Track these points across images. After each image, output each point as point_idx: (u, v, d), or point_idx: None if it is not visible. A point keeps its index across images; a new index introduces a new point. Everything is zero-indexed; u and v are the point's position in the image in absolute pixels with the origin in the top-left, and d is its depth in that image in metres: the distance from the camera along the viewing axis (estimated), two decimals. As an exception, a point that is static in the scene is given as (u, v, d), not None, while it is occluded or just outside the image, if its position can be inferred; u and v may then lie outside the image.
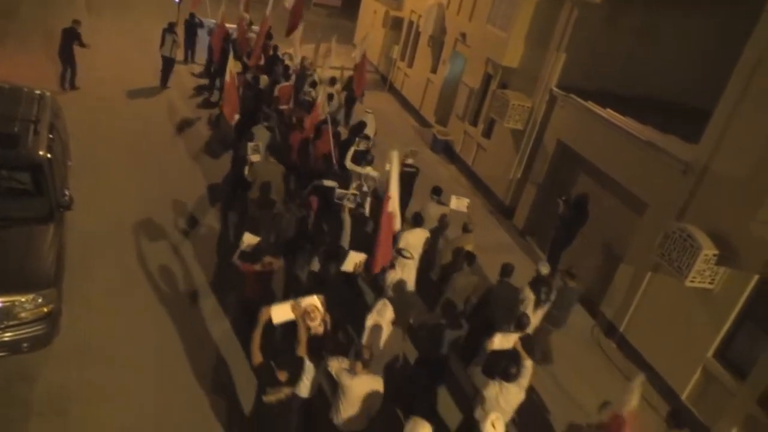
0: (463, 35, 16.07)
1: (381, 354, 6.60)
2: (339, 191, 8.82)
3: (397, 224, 7.93)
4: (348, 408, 5.74)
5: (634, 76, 11.89)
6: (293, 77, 13.93)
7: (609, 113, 10.59)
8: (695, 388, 8.27)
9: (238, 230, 7.87)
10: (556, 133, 12.00)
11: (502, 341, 6.59)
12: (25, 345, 6.48)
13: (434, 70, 18.24)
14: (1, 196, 7.48)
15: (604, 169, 10.47)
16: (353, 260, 7.31)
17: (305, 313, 6.19)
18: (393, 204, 7.67)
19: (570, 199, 10.85)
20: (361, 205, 9.20)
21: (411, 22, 19.86)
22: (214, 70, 16.12)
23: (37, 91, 9.48)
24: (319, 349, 6.15)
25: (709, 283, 7.98)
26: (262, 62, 15.20)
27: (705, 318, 8.18)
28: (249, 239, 7.30)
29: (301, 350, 5.87)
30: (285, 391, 5.59)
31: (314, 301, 6.30)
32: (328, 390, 6.73)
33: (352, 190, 8.96)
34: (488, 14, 14.58)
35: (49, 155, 7.86)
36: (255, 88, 13.12)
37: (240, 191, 9.66)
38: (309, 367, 5.91)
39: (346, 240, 8.59)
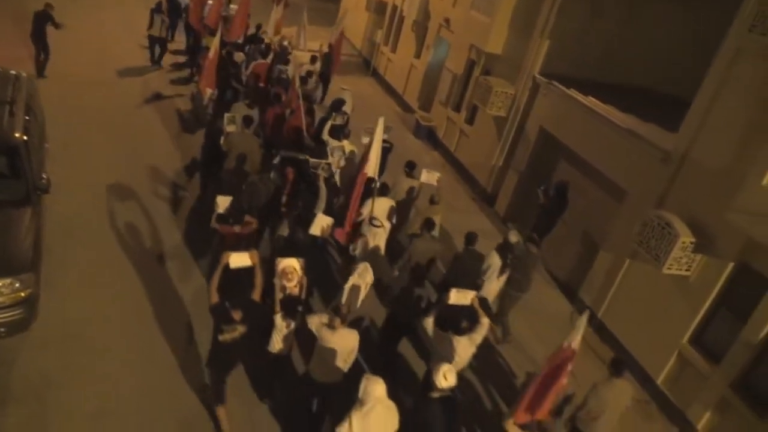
0: (447, 20, 16.01)
1: (357, 313, 7.13)
2: (313, 161, 9.04)
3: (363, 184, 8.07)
4: (326, 361, 6.07)
5: (616, 64, 11.97)
6: (271, 55, 13.95)
7: (591, 101, 10.66)
8: (670, 372, 8.45)
9: (215, 198, 8.13)
10: (539, 120, 12.05)
11: (457, 296, 6.83)
12: (2, 330, 6.41)
13: (418, 56, 18.17)
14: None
15: (585, 157, 10.56)
16: (320, 223, 7.57)
17: (283, 274, 6.56)
18: (371, 167, 7.88)
19: (549, 189, 10.93)
20: (332, 175, 9.45)
21: (395, 7, 19.73)
22: (190, 46, 16.11)
23: (13, 72, 9.27)
24: (295, 308, 6.46)
25: (686, 270, 8.12)
26: (241, 40, 15.22)
27: (681, 304, 8.34)
28: (222, 201, 7.52)
29: (276, 307, 6.38)
30: (239, 330, 5.96)
31: (293, 263, 6.64)
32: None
33: (326, 161, 9.11)
34: (472, 0, 14.54)
35: (25, 137, 7.70)
36: (230, 64, 13.15)
37: (215, 163, 9.79)
38: (280, 325, 6.39)
39: (320, 208, 8.77)
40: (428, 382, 5.63)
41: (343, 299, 7.10)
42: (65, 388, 6.49)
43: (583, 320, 5.83)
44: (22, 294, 6.44)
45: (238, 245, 6.96)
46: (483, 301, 7.26)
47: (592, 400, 6.42)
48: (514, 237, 8.53)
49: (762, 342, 7.31)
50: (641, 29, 11.77)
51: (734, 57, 7.94)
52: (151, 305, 7.96)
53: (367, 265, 7.33)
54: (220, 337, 5.96)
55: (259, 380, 7.01)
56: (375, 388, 5.10)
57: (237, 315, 5.89)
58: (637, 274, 9.11)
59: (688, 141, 8.50)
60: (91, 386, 6.59)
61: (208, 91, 11.21)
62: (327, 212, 8.31)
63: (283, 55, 14.30)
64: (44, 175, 7.71)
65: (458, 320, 6.59)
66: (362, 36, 22.89)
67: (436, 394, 5.46)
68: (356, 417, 5.06)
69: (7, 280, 6.33)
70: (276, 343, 6.50)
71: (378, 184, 8.33)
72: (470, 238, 8.38)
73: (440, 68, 16.46)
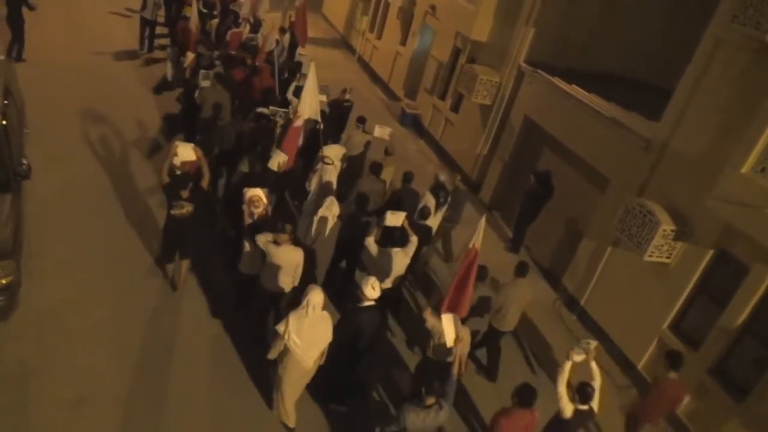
0: (433, 7, 15.95)
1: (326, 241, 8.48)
2: (272, 108, 10.16)
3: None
4: (273, 273, 7.01)
5: (599, 53, 12.02)
6: (243, 26, 14.91)
7: (574, 89, 10.71)
8: (651, 358, 8.59)
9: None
10: (523, 108, 12.09)
11: (392, 218, 7.79)
12: (-18, 317, 6.34)
13: (403, 43, 18.09)
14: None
15: (568, 145, 10.63)
16: (277, 159, 8.65)
17: (250, 202, 7.50)
18: (306, 109, 8.88)
19: (538, 175, 11.00)
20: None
21: (380, -7, 19.60)
22: (172, 17, 16.17)
23: (-10, 56, 9.09)
24: (256, 232, 7.23)
25: (667, 257, 8.24)
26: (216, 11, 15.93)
27: (661, 291, 8.47)
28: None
29: (244, 233, 7.44)
30: (187, 208, 7.46)
31: (259, 192, 7.58)
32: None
33: (283, 110, 10.14)
34: (458, -13, 14.48)
35: (4, 122, 7.56)
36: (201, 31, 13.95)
37: (192, 113, 10.96)
38: (247, 247, 7.39)
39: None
40: (357, 294, 6.48)
41: (313, 229, 8.26)
42: (45, 375, 6.45)
43: (482, 222, 6.46)
44: (3, 282, 6.37)
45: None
46: (426, 229, 8.66)
47: (500, 297, 7.76)
48: (443, 176, 9.67)
49: (739, 328, 7.47)
50: (624, 18, 11.82)
51: (715, 46, 8.01)
52: (129, 291, 7.92)
53: (333, 199, 8.36)
54: (172, 212, 7.47)
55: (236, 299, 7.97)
56: (313, 296, 5.92)
57: (185, 194, 7.41)
58: (618, 261, 9.22)
59: (670, 129, 8.59)
60: (71, 373, 6.56)
61: (190, 56, 12.04)
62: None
63: (257, 25, 15.11)
64: (24, 161, 7.60)
65: (393, 237, 7.77)
66: (347, 22, 22.73)
67: (365, 303, 6.35)
68: (293, 317, 5.92)
69: (-13, 268, 6.25)
70: (244, 264, 7.52)
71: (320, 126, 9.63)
72: (407, 177, 9.58)
73: (426, 56, 16.42)
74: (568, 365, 6.20)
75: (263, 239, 7.02)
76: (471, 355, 8.06)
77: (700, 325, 8.03)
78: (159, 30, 16.31)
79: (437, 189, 9.19)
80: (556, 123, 11.07)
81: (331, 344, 6.20)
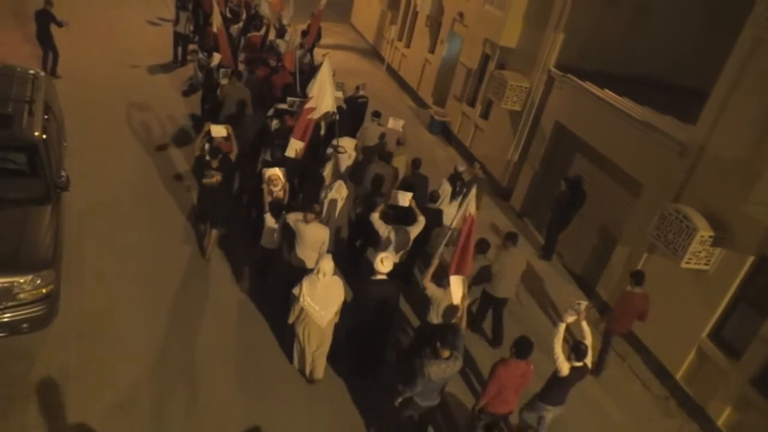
0: (461, 15, 15.94)
1: (336, 222, 8.87)
2: (290, 99, 10.98)
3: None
4: (302, 249, 7.63)
5: (632, 56, 11.83)
6: (263, 29, 15.49)
7: (606, 94, 10.56)
8: (689, 368, 8.36)
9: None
10: (554, 114, 11.96)
11: (399, 197, 8.34)
12: (24, 326, 6.51)
13: (432, 51, 18.10)
14: (-2, 178, 7.46)
15: (601, 150, 10.47)
16: (294, 147, 9.38)
17: (269, 180, 8.30)
18: (311, 106, 9.41)
19: (568, 181, 10.87)
20: None
21: (408, 1, 19.67)
22: (200, 25, 16.68)
23: (31, 71, 9.40)
24: (280, 209, 8.04)
25: (705, 264, 8.02)
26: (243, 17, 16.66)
27: (700, 299, 8.24)
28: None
29: (265, 208, 8.16)
30: (216, 177, 8.25)
31: (277, 171, 8.40)
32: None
33: (300, 99, 10.78)
34: (486, -7, 14.45)
35: (44, 136, 7.81)
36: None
37: (215, 110, 11.61)
38: (270, 222, 8.05)
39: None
40: (370, 269, 7.11)
41: (324, 210, 8.54)
42: (84, 380, 6.59)
43: (473, 191, 7.13)
44: (44, 290, 6.53)
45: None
46: (436, 213, 9.19)
47: (495, 266, 8.19)
48: (461, 167, 10.28)
49: (783, 336, 7.23)
50: (656, 20, 11.62)
51: (752, 47, 7.81)
52: (167, 298, 8.06)
53: (342, 182, 8.85)
54: (204, 181, 8.34)
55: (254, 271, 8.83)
56: (324, 264, 6.59)
57: (215, 163, 8.43)
58: (654, 268, 9.01)
59: (706, 133, 8.39)
60: (109, 379, 6.69)
61: (217, 56, 12.67)
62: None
63: (282, 30, 15.56)
64: (63, 173, 7.81)
65: (400, 216, 8.36)
66: (375, 31, 22.86)
67: (376, 277, 6.88)
68: (306, 282, 6.62)
69: (29, 277, 6.42)
70: (266, 239, 8.18)
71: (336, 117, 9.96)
72: (416, 163, 10.15)
73: (454, 63, 16.39)
74: (562, 327, 6.61)
75: (293, 217, 7.70)
76: (477, 328, 8.81)
77: (741, 334, 7.79)
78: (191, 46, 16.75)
79: (454, 178, 9.89)
80: (588, 128, 10.91)
81: (348, 318, 6.97)
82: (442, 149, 15.62)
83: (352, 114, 12.08)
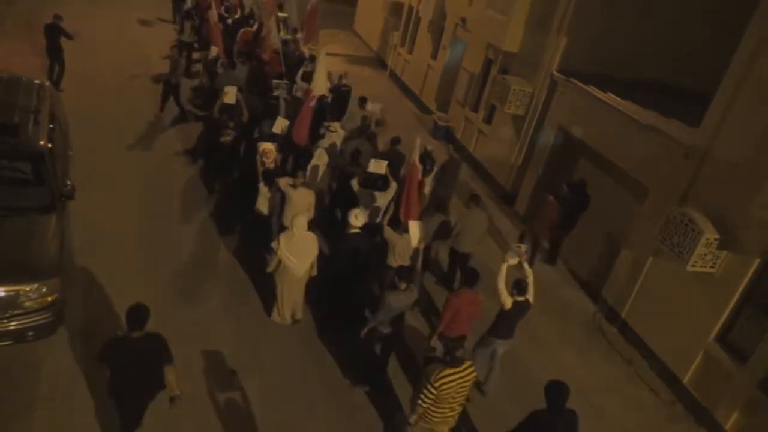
0: (463, 20, 15.97)
1: (318, 185, 9.82)
2: (275, 81, 12.55)
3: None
4: (292, 210, 8.35)
5: (635, 60, 11.81)
6: (255, 24, 16.74)
7: (610, 97, 10.55)
8: (696, 371, 8.31)
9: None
10: (557, 118, 11.95)
11: (375, 166, 9.34)
12: (30, 334, 6.54)
13: (434, 56, 18.14)
14: (2, 185, 7.48)
15: (604, 154, 10.46)
16: (280, 124, 10.57)
17: (263, 153, 9.37)
18: (313, 101, 10.64)
19: (572, 186, 10.85)
20: (291, 93, 12.85)
21: (411, 7, 19.73)
22: (197, 27, 17.24)
23: (36, 81, 9.44)
24: (272, 178, 9.00)
25: (711, 267, 7.99)
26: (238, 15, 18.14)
27: (706, 302, 8.21)
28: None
29: (260, 179, 9.21)
30: (231, 135, 10.66)
31: (270, 145, 9.55)
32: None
33: (285, 82, 12.65)
34: (488, -1, 14.48)
35: (49, 145, 7.84)
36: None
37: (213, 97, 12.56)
38: (264, 190, 9.09)
39: (281, 114, 11.57)
40: (345, 224, 8.09)
41: (307, 176, 9.50)
42: (90, 388, 6.59)
43: (418, 141, 8.63)
44: (49, 299, 6.55)
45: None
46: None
47: (459, 225, 9.24)
48: (429, 146, 11.25)
49: (791, 340, 7.19)
50: (659, 23, 11.61)
51: (756, 49, 7.80)
52: (173, 305, 8.06)
53: (323, 150, 10.10)
54: (221, 140, 10.62)
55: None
56: (299, 220, 7.58)
57: (231, 124, 10.59)
58: (660, 272, 8.99)
59: (711, 136, 8.37)
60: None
61: (214, 49, 14.14)
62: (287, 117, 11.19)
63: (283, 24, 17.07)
64: (68, 182, 7.85)
65: (375, 182, 9.48)
66: (378, 38, 22.93)
67: (351, 231, 7.85)
68: (283, 237, 7.59)
69: (35, 285, 6.45)
70: (261, 204, 9.18)
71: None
72: (395, 141, 11.08)
73: (457, 68, 16.42)
74: (504, 266, 7.36)
75: (283, 182, 8.67)
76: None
77: (748, 337, 7.74)
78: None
79: (424, 157, 10.39)
80: (592, 132, 10.91)
81: (328, 268, 7.97)
82: (446, 154, 15.57)
83: (337, 100, 13.26)
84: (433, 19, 17.77)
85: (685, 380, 8.42)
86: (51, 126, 8.33)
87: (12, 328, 6.40)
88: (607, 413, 7.98)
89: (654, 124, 9.49)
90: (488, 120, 14.65)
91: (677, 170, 8.81)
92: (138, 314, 5.22)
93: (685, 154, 8.72)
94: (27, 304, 6.41)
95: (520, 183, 13.07)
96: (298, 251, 7.60)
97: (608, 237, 10.48)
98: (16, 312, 6.38)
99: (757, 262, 7.64)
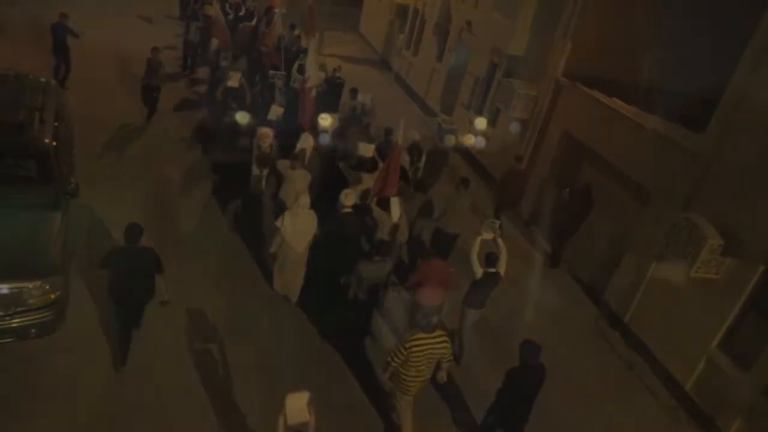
0: (469, 23, 15.97)
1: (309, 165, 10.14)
2: (271, 72, 13.75)
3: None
4: (292, 190, 8.97)
5: (640, 64, 11.76)
6: (254, 20, 17.79)
7: (615, 102, 10.53)
8: (699, 378, 8.28)
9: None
10: (562, 122, 11.94)
11: (364, 148, 10.24)
12: (32, 331, 6.56)
13: (440, 59, 18.14)
14: (7, 183, 7.50)
15: (609, 159, 10.44)
16: (274, 111, 11.54)
17: (260, 137, 10.03)
18: (312, 92, 11.48)
19: (574, 191, 10.83)
20: (288, 82, 13.72)
21: (416, 10, 19.74)
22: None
23: (42, 79, 9.48)
24: (265, 162, 9.90)
25: (715, 273, 7.96)
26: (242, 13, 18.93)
27: (710, 308, 8.17)
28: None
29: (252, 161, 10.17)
30: (239, 78, 12.24)
31: (268, 131, 10.14)
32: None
33: (281, 72, 13.73)
34: (494, 1, 14.48)
35: (54, 143, 7.86)
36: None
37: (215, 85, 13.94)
38: (255, 172, 10.03)
39: (277, 102, 12.74)
40: (337, 205, 8.48)
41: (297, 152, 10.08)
42: (94, 386, 6.62)
43: (401, 122, 9.05)
44: (52, 296, 6.58)
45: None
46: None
47: (442, 204, 9.68)
48: (417, 135, 11.67)
49: (794, 347, 7.15)
50: (665, 28, 11.58)
51: (763, 53, 7.78)
52: (177, 306, 8.04)
53: (309, 135, 10.45)
54: (228, 83, 11.93)
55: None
56: (302, 199, 8.05)
57: (234, 104, 11.90)
58: (664, 277, 8.95)
59: (716, 141, 8.35)
60: (119, 385, 6.72)
61: (215, 41, 14.83)
62: (282, 106, 12.32)
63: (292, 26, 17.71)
64: (73, 180, 7.87)
65: (364, 164, 10.11)
66: (383, 40, 22.95)
67: (343, 210, 8.28)
68: (287, 215, 8.01)
69: (38, 283, 6.46)
70: (252, 185, 10.13)
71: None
72: (388, 132, 11.36)
73: (462, 71, 16.42)
74: (478, 239, 7.86)
75: (282, 164, 9.41)
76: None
77: (752, 344, 7.71)
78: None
79: (412, 148, 11.26)
80: (596, 136, 10.88)
81: (320, 247, 8.31)
82: (450, 157, 15.56)
83: (331, 91, 14.11)
84: (439, 22, 17.78)
85: (687, 386, 8.39)
86: (56, 124, 8.36)
87: (14, 324, 6.42)
88: (608, 418, 7.95)
89: (659, 129, 9.46)
90: (493, 123, 14.63)
91: (681, 175, 8.78)
92: (134, 230, 6.44)
93: (690, 160, 8.68)
94: (30, 301, 6.43)
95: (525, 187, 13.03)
96: (300, 229, 8.02)
97: (612, 241, 10.45)
98: (19, 309, 6.40)
99: (761, 269, 7.61)
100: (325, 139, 10.91)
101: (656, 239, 8.57)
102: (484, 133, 11.83)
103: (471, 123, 13.79)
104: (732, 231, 7.80)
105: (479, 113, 15.22)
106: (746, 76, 7.98)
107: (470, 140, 13.33)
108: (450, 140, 13.51)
